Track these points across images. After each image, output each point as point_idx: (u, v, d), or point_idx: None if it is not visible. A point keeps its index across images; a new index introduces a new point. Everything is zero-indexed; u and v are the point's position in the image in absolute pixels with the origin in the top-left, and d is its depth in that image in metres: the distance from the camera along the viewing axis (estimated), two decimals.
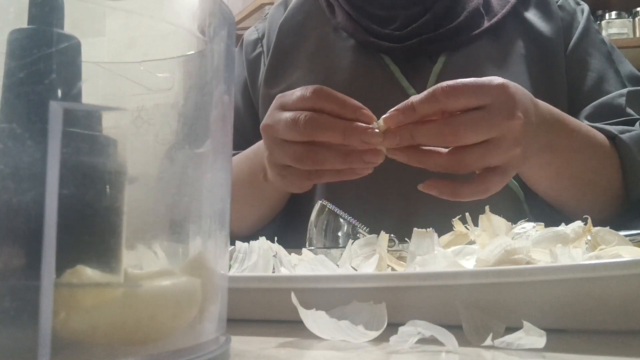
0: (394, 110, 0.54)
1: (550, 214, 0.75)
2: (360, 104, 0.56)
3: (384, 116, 0.54)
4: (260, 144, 0.75)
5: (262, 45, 0.92)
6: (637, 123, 0.75)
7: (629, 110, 0.77)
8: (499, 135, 0.54)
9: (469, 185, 0.56)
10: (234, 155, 0.82)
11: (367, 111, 0.55)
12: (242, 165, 0.77)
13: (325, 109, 0.57)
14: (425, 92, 0.53)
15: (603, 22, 2.07)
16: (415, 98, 0.54)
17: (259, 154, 0.73)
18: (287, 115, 0.58)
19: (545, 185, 0.72)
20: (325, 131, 0.56)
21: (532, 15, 0.84)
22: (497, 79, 0.55)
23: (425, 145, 0.55)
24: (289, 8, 0.93)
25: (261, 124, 0.62)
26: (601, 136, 0.71)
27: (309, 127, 0.56)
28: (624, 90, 0.79)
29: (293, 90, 0.60)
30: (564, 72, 0.82)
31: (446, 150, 0.55)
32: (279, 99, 0.62)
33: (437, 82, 0.78)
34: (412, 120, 0.53)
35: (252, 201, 0.79)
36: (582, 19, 0.86)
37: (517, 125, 0.55)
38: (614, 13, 2.08)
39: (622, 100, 0.77)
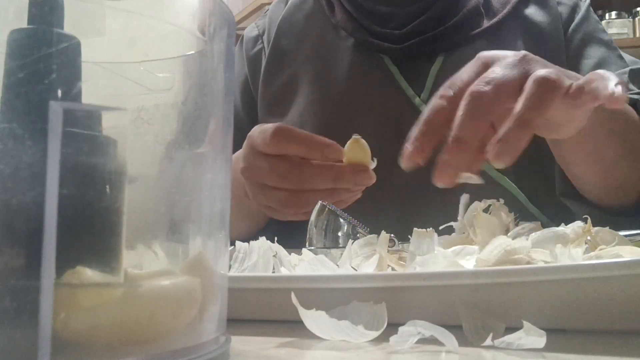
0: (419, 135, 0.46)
1: (551, 215, 0.74)
2: (326, 141, 0.55)
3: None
4: (238, 156, 0.74)
5: (262, 42, 0.91)
6: None
7: (631, 86, 0.74)
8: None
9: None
10: None
11: (336, 146, 0.55)
12: None
13: (291, 153, 0.56)
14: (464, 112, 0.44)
15: (603, 22, 2.07)
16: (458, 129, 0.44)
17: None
18: (266, 165, 0.58)
19: (592, 161, 0.66)
20: (313, 179, 0.56)
21: (532, 11, 0.84)
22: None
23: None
24: (287, 5, 0.91)
25: (240, 168, 0.62)
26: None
27: (296, 180, 0.56)
28: (627, 69, 0.77)
29: (259, 129, 0.59)
30: (565, 66, 0.82)
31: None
32: (249, 139, 0.61)
33: (435, 83, 0.78)
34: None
35: (236, 215, 0.76)
36: (582, 9, 0.85)
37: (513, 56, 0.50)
38: (614, 13, 2.08)
39: (625, 78, 0.74)
